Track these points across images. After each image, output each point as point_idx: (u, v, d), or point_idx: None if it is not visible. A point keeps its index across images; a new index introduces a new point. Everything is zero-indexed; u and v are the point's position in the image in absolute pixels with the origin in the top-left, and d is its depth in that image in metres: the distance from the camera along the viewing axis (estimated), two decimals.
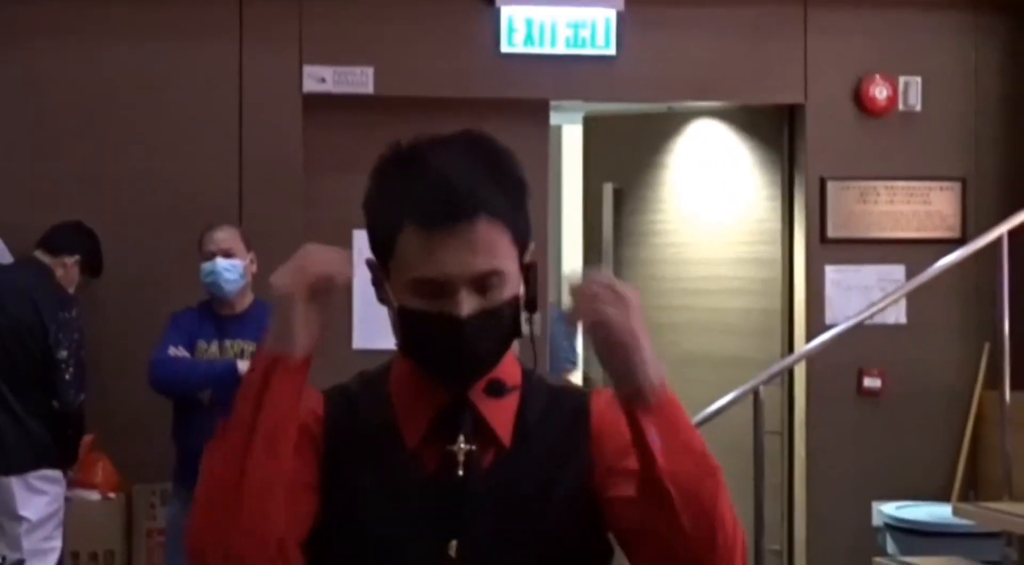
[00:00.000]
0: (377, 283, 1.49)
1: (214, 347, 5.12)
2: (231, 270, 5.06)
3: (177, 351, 5.09)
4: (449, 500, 1.52)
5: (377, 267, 1.48)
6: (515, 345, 1.58)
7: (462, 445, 1.51)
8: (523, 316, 1.52)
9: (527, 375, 1.60)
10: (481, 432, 1.54)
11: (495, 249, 1.43)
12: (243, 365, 4.93)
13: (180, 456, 5.10)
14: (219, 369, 5.07)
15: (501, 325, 1.46)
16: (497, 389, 1.52)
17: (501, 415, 1.55)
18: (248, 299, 5.14)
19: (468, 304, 1.41)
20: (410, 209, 1.39)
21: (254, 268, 5.17)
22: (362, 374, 1.61)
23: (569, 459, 1.55)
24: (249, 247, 5.20)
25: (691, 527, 1.42)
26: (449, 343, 1.43)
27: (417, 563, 1.56)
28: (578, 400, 1.60)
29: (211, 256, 5.02)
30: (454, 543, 1.53)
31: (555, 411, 1.59)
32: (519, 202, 1.49)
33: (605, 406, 1.53)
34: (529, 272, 1.48)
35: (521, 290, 1.48)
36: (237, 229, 5.28)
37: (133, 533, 5.63)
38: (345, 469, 1.53)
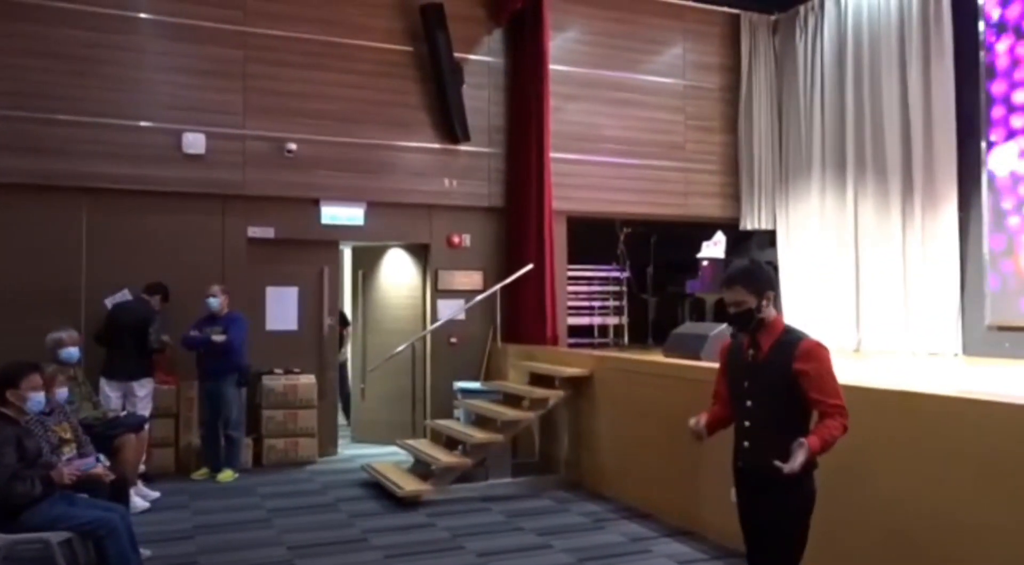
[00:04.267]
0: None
1: (209, 330, 6.92)
2: (213, 302, 6.98)
3: (195, 333, 6.95)
4: (748, 373, 2.77)
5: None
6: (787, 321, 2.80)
7: (751, 350, 2.76)
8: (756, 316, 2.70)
9: (786, 328, 2.77)
10: (759, 348, 2.74)
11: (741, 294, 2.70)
12: (217, 337, 6.82)
13: (199, 370, 7.01)
14: (206, 338, 6.91)
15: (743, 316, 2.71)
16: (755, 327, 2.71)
17: (767, 342, 2.72)
18: (225, 312, 6.99)
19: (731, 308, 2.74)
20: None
21: (226, 300, 7.00)
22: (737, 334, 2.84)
23: (788, 360, 2.61)
24: (225, 292, 7.04)
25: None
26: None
27: (739, 408, 2.80)
28: (797, 338, 2.70)
29: (208, 295, 6.97)
30: (749, 403, 2.76)
31: (788, 341, 2.68)
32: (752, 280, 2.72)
33: (806, 344, 2.65)
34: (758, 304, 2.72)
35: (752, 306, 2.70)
36: (221, 286, 7.10)
37: (180, 401, 7.24)
38: (731, 365, 2.84)
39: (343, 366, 9.16)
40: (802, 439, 2.52)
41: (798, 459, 2.48)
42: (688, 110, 9.51)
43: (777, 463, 2.48)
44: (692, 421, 2.90)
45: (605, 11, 9.05)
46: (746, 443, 2.75)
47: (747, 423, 2.75)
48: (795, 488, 2.63)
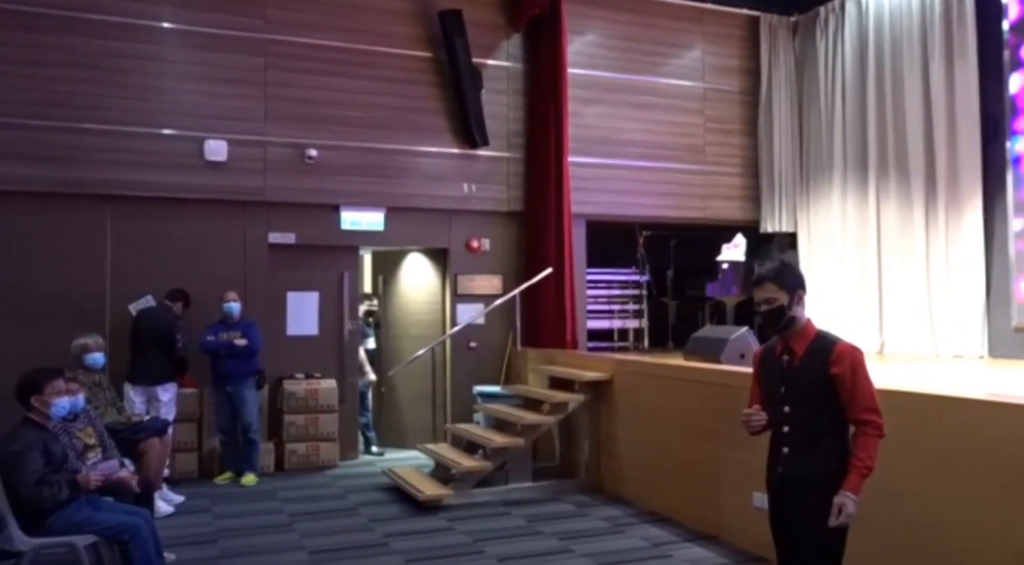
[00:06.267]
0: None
1: (226, 335, 6.92)
2: (233, 307, 7.00)
3: (212, 338, 6.91)
4: (784, 379, 2.72)
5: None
6: (819, 326, 2.75)
7: (785, 356, 2.73)
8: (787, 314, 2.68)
9: (819, 333, 2.73)
10: (793, 353, 2.70)
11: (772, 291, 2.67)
12: (239, 341, 6.83)
13: (213, 376, 6.97)
14: (225, 343, 6.91)
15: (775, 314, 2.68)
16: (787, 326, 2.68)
17: (800, 347, 2.69)
18: (239, 316, 7.01)
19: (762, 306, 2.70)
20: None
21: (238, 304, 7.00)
22: (770, 338, 2.79)
23: (825, 364, 2.60)
24: (239, 298, 7.03)
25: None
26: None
27: (777, 414, 2.74)
28: (831, 342, 2.67)
29: (227, 300, 7.01)
30: (787, 408, 2.71)
31: (822, 345, 2.65)
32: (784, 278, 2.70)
33: (841, 347, 2.62)
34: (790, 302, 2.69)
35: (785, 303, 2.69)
36: (235, 292, 7.12)
37: (203, 406, 7.27)
38: (765, 371, 2.77)
39: (363, 395, 8.37)
40: (838, 498, 2.55)
41: (848, 510, 2.53)
42: (708, 113, 9.50)
43: (832, 523, 2.53)
44: (747, 410, 2.81)
45: (623, 14, 9.05)
46: (785, 449, 2.72)
47: (785, 429, 2.72)
48: (836, 492, 2.63)
